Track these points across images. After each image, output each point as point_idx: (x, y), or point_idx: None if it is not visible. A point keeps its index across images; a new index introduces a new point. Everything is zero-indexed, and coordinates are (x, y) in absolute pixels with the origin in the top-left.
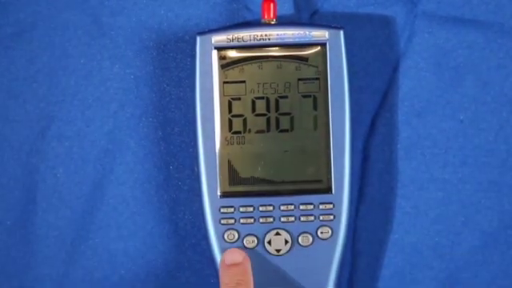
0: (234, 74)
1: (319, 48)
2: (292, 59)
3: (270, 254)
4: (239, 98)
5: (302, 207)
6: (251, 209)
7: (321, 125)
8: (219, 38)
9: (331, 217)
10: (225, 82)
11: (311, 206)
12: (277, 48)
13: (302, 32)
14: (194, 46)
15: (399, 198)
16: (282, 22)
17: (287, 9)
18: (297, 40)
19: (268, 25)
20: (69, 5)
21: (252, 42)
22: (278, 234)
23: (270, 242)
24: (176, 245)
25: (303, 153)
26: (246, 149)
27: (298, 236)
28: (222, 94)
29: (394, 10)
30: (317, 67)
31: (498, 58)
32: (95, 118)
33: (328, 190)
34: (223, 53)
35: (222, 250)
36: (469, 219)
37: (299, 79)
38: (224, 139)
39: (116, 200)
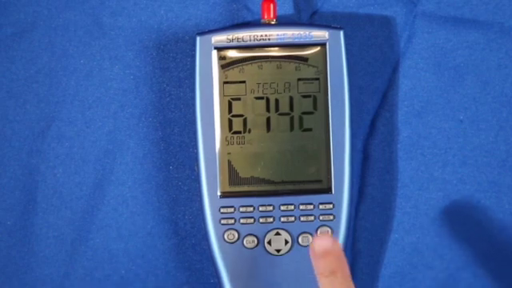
0: (233, 74)
1: (319, 48)
2: (292, 59)
3: (270, 254)
4: (239, 98)
5: (301, 207)
6: (251, 209)
7: (321, 125)
8: (219, 38)
9: (331, 217)
10: (225, 82)
11: (311, 206)
12: (277, 48)
13: (301, 32)
14: (194, 46)
15: (399, 198)
16: (282, 22)
17: (287, 9)
18: (297, 40)
19: (268, 25)
20: (69, 5)
21: (252, 42)
22: (277, 234)
23: (270, 242)
24: (176, 245)
25: (303, 153)
26: (245, 149)
27: (298, 236)
28: (222, 94)
29: (394, 10)
30: (317, 67)
31: (498, 58)
32: (95, 119)
33: (328, 190)
34: (223, 53)
35: (222, 250)
36: (469, 219)
37: (299, 79)
38: (224, 139)
39: (116, 200)
